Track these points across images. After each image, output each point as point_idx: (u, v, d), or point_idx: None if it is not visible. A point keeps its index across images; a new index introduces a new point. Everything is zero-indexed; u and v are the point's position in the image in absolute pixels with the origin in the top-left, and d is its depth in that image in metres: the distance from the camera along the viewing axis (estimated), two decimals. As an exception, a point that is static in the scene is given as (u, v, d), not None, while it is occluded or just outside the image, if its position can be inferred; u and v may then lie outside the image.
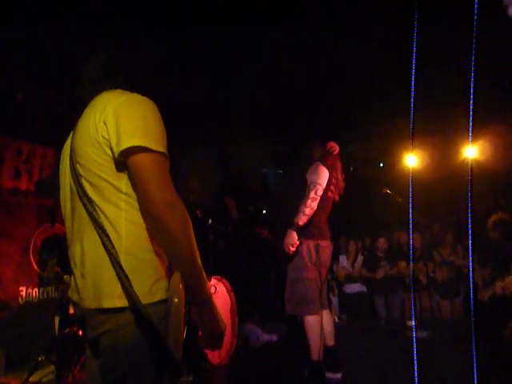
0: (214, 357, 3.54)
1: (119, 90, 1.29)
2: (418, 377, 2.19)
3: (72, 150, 1.29)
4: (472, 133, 2.02)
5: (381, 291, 5.97)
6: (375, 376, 3.46)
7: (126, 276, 1.15)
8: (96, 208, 1.22)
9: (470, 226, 2.02)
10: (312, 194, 3.19)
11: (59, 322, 3.31)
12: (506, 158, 5.13)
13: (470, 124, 1.97)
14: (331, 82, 5.00)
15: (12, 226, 4.01)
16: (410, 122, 2.18)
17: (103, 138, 1.20)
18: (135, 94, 1.27)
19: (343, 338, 3.84)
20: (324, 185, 3.25)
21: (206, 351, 3.39)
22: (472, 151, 4.37)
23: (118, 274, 1.16)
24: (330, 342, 3.35)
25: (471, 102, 1.92)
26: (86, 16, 3.28)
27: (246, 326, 4.56)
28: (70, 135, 1.36)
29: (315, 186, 3.21)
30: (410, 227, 2.38)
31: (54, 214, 3.28)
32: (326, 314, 3.37)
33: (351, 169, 7.15)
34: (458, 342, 3.71)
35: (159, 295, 1.19)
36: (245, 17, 3.96)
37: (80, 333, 3.06)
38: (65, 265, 3.27)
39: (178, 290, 1.18)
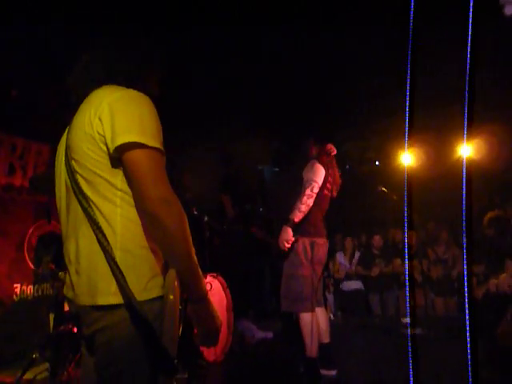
0: (210, 354, 3.55)
1: (115, 86, 1.28)
2: (413, 373, 2.20)
3: (67, 147, 1.28)
4: (467, 131, 2.03)
5: (376, 289, 5.99)
6: (370, 373, 3.47)
7: (121, 272, 1.15)
8: (91, 204, 1.21)
9: (464, 223, 2.03)
10: (308, 191, 3.20)
11: (54, 319, 3.29)
12: (500, 156, 5.16)
13: (465, 122, 1.97)
14: (328, 82, 5.01)
15: (6, 222, 3.99)
16: (406, 120, 2.19)
17: (98, 134, 1.20)
18: (131, 90, 1.26)
19: (338, 336, 3.85)
20: (320, 182, 3.26)
21: (202, 348, 3.39)
22: (467, 149, 4.38)
23: (112, 271, 1.15)
24: (325, 339, 3.36)
25: (466, 100, 1.93)
26: (86, 16, 3.27)
27: (242, 323, 4.57)
28: (66, 131, 1.36)
29: (311, 184, 3.22)
30: (406, 225, 2.39)
31: (50, 210, 3.26)
32: (321, 311, 3.38)
33: (347, 167, 7.16)
34: (453, 338, 3.74)
35: (154, 292, 1.19)
36: (245, 17, 3.95)
37: (75, 330, 3.04)
38: (60, 262, 3.26)
39: (173, 287, 1.18)
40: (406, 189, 2.30)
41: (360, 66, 4.71)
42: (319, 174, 3.28)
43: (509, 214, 4.91)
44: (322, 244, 3.34)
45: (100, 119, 1.19)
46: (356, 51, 4.38)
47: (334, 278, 6.19)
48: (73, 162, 1.25)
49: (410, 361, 2.20)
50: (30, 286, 4.11)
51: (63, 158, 1.32)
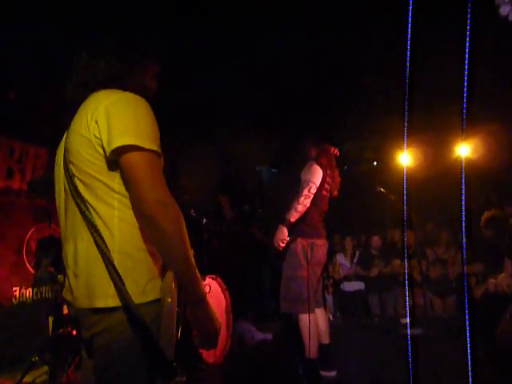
0: (209, 356, 3.54)
1: (112, 89, 1.28)
2: (413, 373, 2.20)
3: (66, 150, 1.28)
4: (465, 131, 2.03)
5: (375, 289, 5.99)
6: (370, 374, 3.47)
7: (119, 275, 1.15)
8: (89, 207, 1.21)
9: (463, 223, 2.03)
10: (305, 192, 3.20)
11: (53, 322, 3.29)
12: (498, 155, 5.16)
13: (463, 122, 1.98)
14: (327, 82, 5.01)
15: (5, 225, 3.97)
16: (405, 120, 2.19)
17: (95, 137, 1.20)
18: (127, 93, 1.26)
19: (338, 337, 3.85)
20: (318, 183, 3.26)
21: (201, 350, 3.38)
22: (465, 149, 4.40)
23: (110, 274, 1.15)
24: (325, 341, 3.36)
25: (465, 100, 1.93)
26: (86, 16, 3.26)
27: (241, 325, 4.56)
28: (65, 135, 1.36)
29: (308, 184, 3.23)
30: (404, 225, 2.39)
31: (50, 214, 3.26)
32: (320, 312, 3.38)
33: (345, 167, 7.16)
34: (452, 338, 3.74)
35: (152, 295, 1.19)
36: (245, 17, 3.95)
37: (74, 333, 3.04)
38: (59, 265, 3.25)
39: (171, 290, 1.18)
40: (404, 189, 2.30)
41: (360, 65, 4.71)
42: (317, 175, 3.28)
43: (507, 214, 4.91)
44: (321, 245, 3.34)
45: (96, 122, 1.19)
46: (356, 51, 4.38)
47: (333, 278, 6.18)
48: (71, 165, 1.25)
49: (410, 361, 2.20)
50: (29, 289, 4.10)
51: (62, 162, 1.32)
